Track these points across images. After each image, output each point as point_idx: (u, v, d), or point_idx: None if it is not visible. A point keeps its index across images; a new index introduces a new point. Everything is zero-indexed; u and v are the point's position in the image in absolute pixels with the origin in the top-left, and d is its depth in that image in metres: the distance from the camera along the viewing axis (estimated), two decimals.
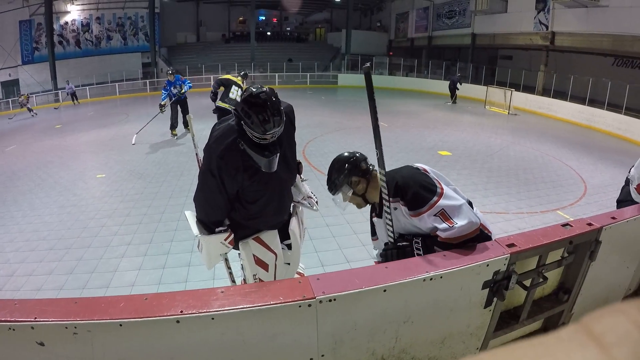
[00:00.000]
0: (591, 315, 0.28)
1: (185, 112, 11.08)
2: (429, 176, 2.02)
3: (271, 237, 2.61)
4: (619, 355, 0.24)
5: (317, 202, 2.88)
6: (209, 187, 2.30)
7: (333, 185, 2.22)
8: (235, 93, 9.03)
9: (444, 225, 1.88)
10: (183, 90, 10.91)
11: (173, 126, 11.44)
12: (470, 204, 2.07)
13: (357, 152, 2.26)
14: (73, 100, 21.80)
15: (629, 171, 3.24)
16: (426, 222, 1.94)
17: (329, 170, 2.26)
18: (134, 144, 10.55)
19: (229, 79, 9.28)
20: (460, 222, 1.87)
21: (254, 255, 2.57)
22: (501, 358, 0.27)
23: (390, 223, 2.04)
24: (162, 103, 10.65)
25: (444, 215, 1.89)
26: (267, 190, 2.43)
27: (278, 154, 2.26)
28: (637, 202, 2.90)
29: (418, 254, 1.98)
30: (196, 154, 3.20)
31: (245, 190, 2.37)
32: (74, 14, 26.94)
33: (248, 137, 2.16)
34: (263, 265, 2.58)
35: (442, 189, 1.95)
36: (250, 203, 2.45)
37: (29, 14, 24.54)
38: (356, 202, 2.25)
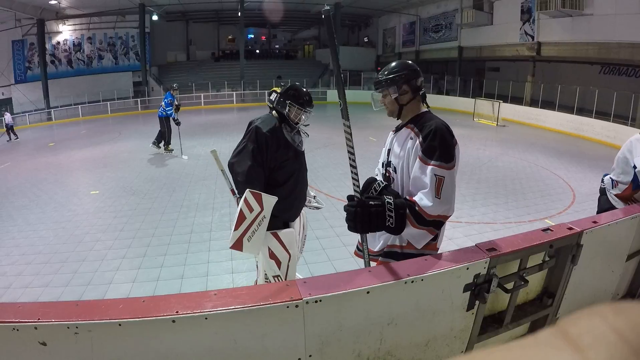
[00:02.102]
0: (568, 317, 0.28)
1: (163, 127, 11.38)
2: (455, 149, 2.05)
3: (289, 237, 2.85)
4: (595, 357, 0.24)
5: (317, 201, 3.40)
6: (255, 160, 2.71)
7: (383, 82, 2.21)
8: (273, 95, 11.47)
9: (430, 192, 1.94)
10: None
11: (168, 142, 11.55)
12: None
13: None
14: (9, 134, 17.06)
15: (602, 181, 3.33)
16: (423, 173, 1.98)
17: (387, 67, 2.28)
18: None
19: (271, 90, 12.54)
20: (443, 199, 1.93)
21: (269, 248, 2.77)
22: None
23: (355, 175, 2.00)
24: (175, 118, 10.89)
25: (439, 185, 1.93)
26: (296, 170, 2.92)
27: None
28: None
29: (389, 217, 1.94)
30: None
31: (280, 167, 2.83)
32: (65, 34, 27.18)
33: (289, 117, 2.97)
34: (277, 260, 2.80)
35: (454, 167, 1.99)
36: (281, 185, 2.81)
37: (22, 34, 24.73)
38: (392, 108, 2.25)
